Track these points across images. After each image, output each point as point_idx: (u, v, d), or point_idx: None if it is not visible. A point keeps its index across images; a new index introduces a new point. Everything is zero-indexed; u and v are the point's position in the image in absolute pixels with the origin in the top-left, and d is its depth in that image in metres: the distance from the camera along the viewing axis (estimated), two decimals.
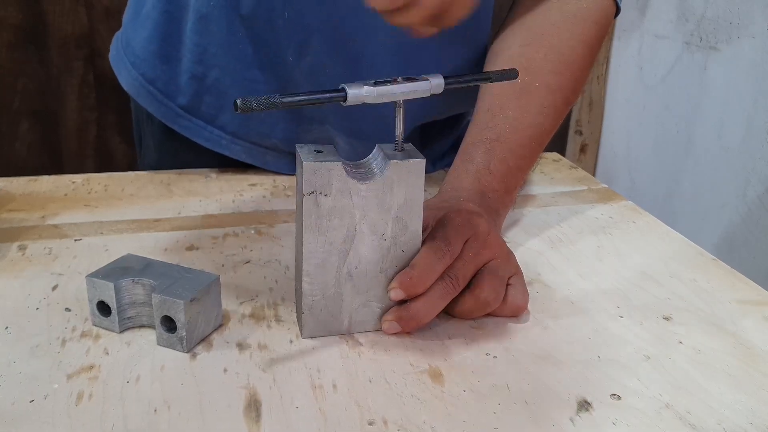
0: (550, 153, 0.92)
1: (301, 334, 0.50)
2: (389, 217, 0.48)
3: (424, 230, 0.50)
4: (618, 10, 0.72)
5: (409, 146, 0.49)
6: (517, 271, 0.54)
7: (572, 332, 0.52)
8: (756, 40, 1.59)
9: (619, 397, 0.45)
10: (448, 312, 0.52)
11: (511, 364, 0.48)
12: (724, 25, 1.68)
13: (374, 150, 0.49)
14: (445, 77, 0.47)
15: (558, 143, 2.24)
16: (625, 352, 0.50)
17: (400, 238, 0.49)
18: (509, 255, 0.55)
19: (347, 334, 0.50)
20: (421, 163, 0.48)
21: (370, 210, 0.48)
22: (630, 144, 2.06)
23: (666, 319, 0.54)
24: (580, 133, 2.22)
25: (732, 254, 1.67)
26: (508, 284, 0.53)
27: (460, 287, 0.50)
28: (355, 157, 0.50)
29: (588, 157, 2.23)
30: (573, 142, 2.24)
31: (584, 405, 0.44)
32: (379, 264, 0.49)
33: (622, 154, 2.11)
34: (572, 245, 0.66)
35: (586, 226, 0.71)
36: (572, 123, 2.23)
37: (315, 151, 0.47)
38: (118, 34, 0.84)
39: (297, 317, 0.52)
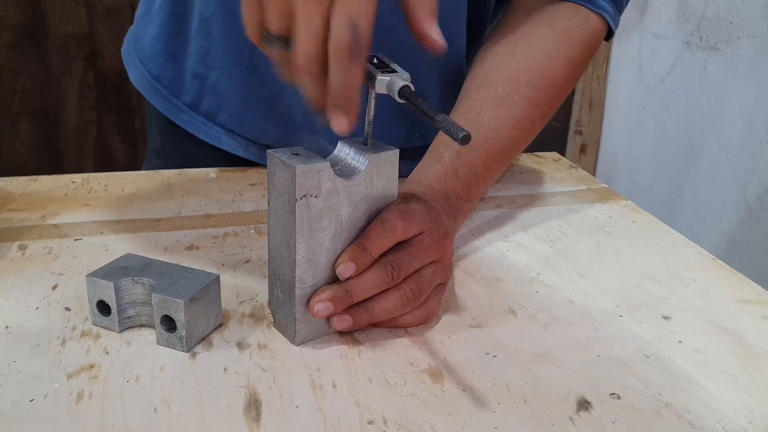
0: (549, 153, 0.92)
1: (294, 341, 0.49)
2: (369, 210, 0.49)
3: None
4: (611, 33, 0.72)
5: (373, 140, 0.50)
6: (446, 282, 0.53)
7: (572, 331, 0.52)
8: (756, 40, 1.59)
9: (618, 397, 0.45)
10: (386, 324, 0.51)
11: (511, 364, 0.48)
12: (724, 25, 1.68)
13: (339, 146, 0.49)
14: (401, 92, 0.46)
15: (558, 143, 2.24)
16: (625, 352, 0.50)
17: None
18: (451, 264, 0.54)
19: (334, 332, 0.50)
20: (396, 153, 0.49)
21: (353, 205, 0.48)
22: (630, 144, 2.06)
23: (665, 318, 0.54)
24: (580, 133, 2.22)
25: (732, 254, 1.67)
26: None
27: (397, 280, 0.49)
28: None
29: (588, 157, 2.23)
30: (573, 142, 2.24)
31: (584, 404, 0.44)
32: None
33: (622, 154, 2.11)
34: (572, 245, 0.66)
35: (586, 225, 0.71)
36: (572, 123, 2.24)
37: (293, 154, 0.46)
38: (131, 28, 0.86)
39: (279, 327, 0.51)
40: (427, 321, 0.52)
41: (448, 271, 0.53)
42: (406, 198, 0.52)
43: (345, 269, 0.48)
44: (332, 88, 0.44)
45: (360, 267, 0.48)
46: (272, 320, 0.51)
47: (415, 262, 0.50)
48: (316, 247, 0.47)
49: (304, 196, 0.45)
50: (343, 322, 0.49)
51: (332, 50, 0.42)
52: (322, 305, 0.48)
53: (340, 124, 0.44)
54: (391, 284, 0.49)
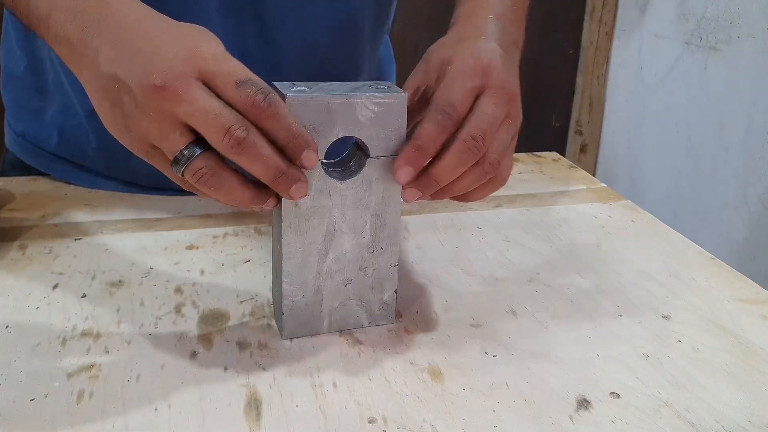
0: (549, 153, 0.92)
1: (281, 335, 0.49)
2: (368, 215, 0.48)
3: (430, 77, 0.49)
4: None
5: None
6: (516, 134, 0.50)
7: (571, 331, 0.52)
8: (756, 40, 1.59)
9: (618, 396, 0.45)
10: (460, 197, 0.50)
11: (511, 363, 0.48)
12: (724, 25, 1.68)
13: (350, 148, 0.49)
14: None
15: (558, 143, 2.24)
16: (624, 351, 0.50)
17: (378, 235, 0.49)
18: (519, 110, 0.50)
19: (327, 333, 0.50)
20: None
21: (348, 208, 0.48)
22: (630, 144, 2.06)
23: (665, 317, 0.54)
24: (580, 133, 2.22)
25: (732, 254, 1.67)
26: None
27: (481, 151, 0.46)
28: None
29: (588, 157, 2.23)
30: (573, 142, 2.24)
31: (583, 403, 0.44)
32: (359, 262, 0.49)
33: (622, 154, 2.11)
34: (571, 244, 0.66)
35: (585, 225, 0.71)
36: (572, 123, 2.24)
37: None
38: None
39: (275, 318, 0.51)
40: (500, 187, 0.50)
41: (519, 120, 0.49)
42: (448, 54, 0.49)
43: (405, 174, 0.46)
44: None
45: (419, 168, 0.46)
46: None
47: (494, 128, 0.47)
48: (306, 244, 0.47)
49: None
50: (412, 195, 0.47)
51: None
52: (407, 192, 0.47)
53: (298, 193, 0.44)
54: (478, 156, 0.46)
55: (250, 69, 0.42)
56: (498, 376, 0.46)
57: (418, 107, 0.50)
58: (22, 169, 0.77)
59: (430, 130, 0.46)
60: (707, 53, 1.73)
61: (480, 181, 0.48)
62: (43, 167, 0.76)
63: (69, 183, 0.75)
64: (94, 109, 0.45)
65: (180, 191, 0.73)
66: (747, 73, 1.62)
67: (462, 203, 0.73)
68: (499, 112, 0.47)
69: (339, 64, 0.73)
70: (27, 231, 0.64)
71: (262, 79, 0.42)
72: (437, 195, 0.49)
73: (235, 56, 0.43)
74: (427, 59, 0.51)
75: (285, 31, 0.68)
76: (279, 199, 0.45)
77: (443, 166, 0.46)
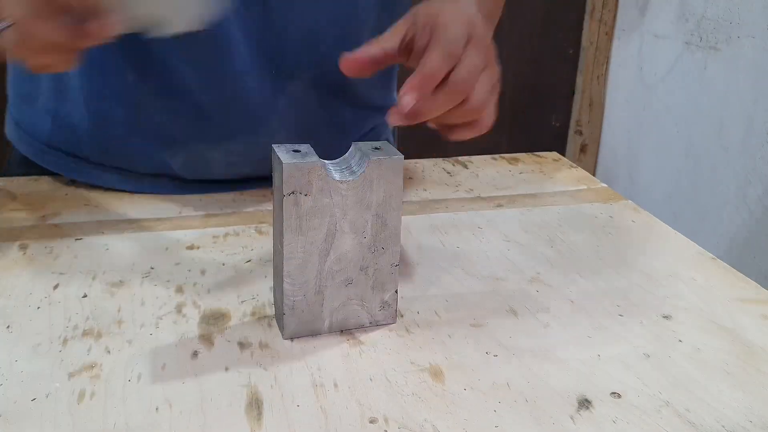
0: (549, 153, 0.92)
1: (282, 335, 0.49)
2: (369, 215, 0.48)
3: (418, 26, 0.53)
4: None
5: (385, 144, 0.49)
6: (496, 84, 0.55)
7: (572, 331, 0.52)
8: (756, 40, 1.59)
9: (619, 396, 0.45)
10: (444, 130, 0.55)
11: (512, 363, 0.48)
12: (724, 25, 1.68)
13: (351, 148, 0.49)
14: None
15: (558, 143, 2.24)
16: (625, 351, 0.50)
17: (379, 235, 0.49)
18: (495, 62, 0.55)
19: (328, 333, 0.50)
20: (399, 160, 0.48)
21: (350, 209, 0.48)
22: (630, 144, 2.06)
23: (665, 317, 0.54)
24: (580, 133, 2.22)
25: (732, 254, 1.67)
26: None
27: (467, 92, 0.51)
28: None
29: (588, 157, 2.24)
30: (573, 142, 2.24)
31: (584, 403, 0.44)
32: (360, 262, 0.49)
33: (622, 154, 2.11)
34: (572, 244, 0.66)
35: (586, 225, 0.71)
36: (572, 123, 2.24)
37: (293, 150, 0.46)
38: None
39: (276, 318, 0.51)
40: (483, 132, 0.54)
41: (496, 70, 0.54)
42: (436, 11, 0.53)
43: (411, 100, 0.49)
44: None
45: (424, 95, 0.50)
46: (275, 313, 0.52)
47: (474, 75, 0.51)
48: (307, 245, 0.47)
49: (292, 192, 0.45)
50: (397, 120, 0.51)
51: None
52: (396, 117, 0.50)
53: None
54: (461, 98, 0.51)
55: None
56: (499, 376, 0.47)
57: (404, 54, 0.54)
58: (26, 165, 0.77)
59: (436, 60, 0.50)
60: (707, 53, 1.73)
61: (463, 119, 0.53)
62: (37, 158, 0.76)
63: (62, 176, 0.75)
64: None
65: (179, 190, 0.74)
66: (747, 73, 1.62)
67: (460, 204, 0.73)
68: (481, 61, 0.52)
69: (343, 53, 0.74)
70: (27, 231, 0.64)
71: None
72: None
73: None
74: (414, 14, 0.55)
75: (291, 18, 0.68)
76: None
77: (433, 102, 0.50)
